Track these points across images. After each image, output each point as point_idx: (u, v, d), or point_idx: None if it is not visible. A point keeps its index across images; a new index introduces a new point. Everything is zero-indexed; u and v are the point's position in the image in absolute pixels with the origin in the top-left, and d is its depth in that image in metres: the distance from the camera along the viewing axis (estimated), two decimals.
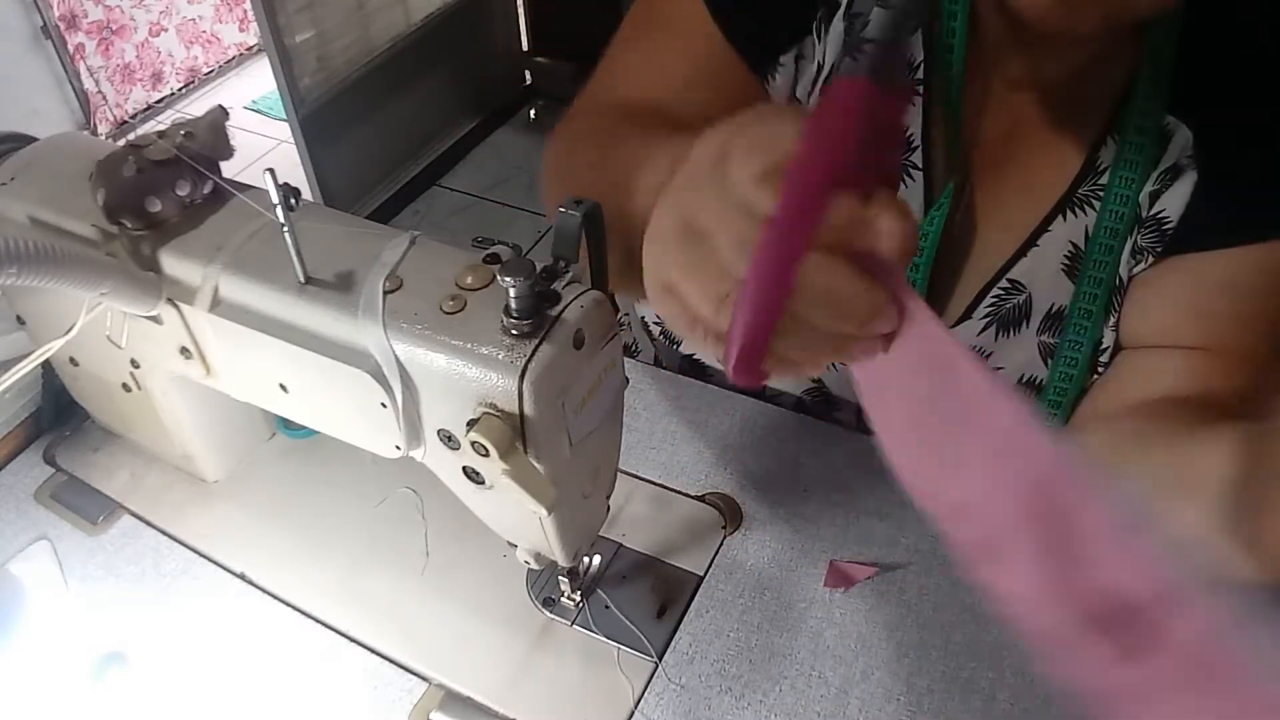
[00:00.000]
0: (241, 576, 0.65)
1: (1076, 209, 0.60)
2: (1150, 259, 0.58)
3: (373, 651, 0.60)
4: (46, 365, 0.70)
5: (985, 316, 0.64)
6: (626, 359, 0.78)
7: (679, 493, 0.69)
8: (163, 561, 0.66)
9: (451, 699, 0.58)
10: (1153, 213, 0.57)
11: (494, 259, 0.48)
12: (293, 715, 0.58)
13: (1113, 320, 0.61)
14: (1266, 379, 0.53)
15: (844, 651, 0.59)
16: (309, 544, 0.67)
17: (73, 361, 0.67)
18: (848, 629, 0.60)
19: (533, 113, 2.82)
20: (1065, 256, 0.61)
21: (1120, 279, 0.60)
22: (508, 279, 0.43)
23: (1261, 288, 0.54)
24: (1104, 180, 0.59)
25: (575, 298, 0.46)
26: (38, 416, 0.74)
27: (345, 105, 2.24)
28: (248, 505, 0.70)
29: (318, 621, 0.62)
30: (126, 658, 0.60)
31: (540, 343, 0.44)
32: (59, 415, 0.75)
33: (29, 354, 0.51)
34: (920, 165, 0.61)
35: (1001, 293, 0.63)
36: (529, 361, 0.44)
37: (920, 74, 0.60)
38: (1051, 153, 0.60)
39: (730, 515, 0.67)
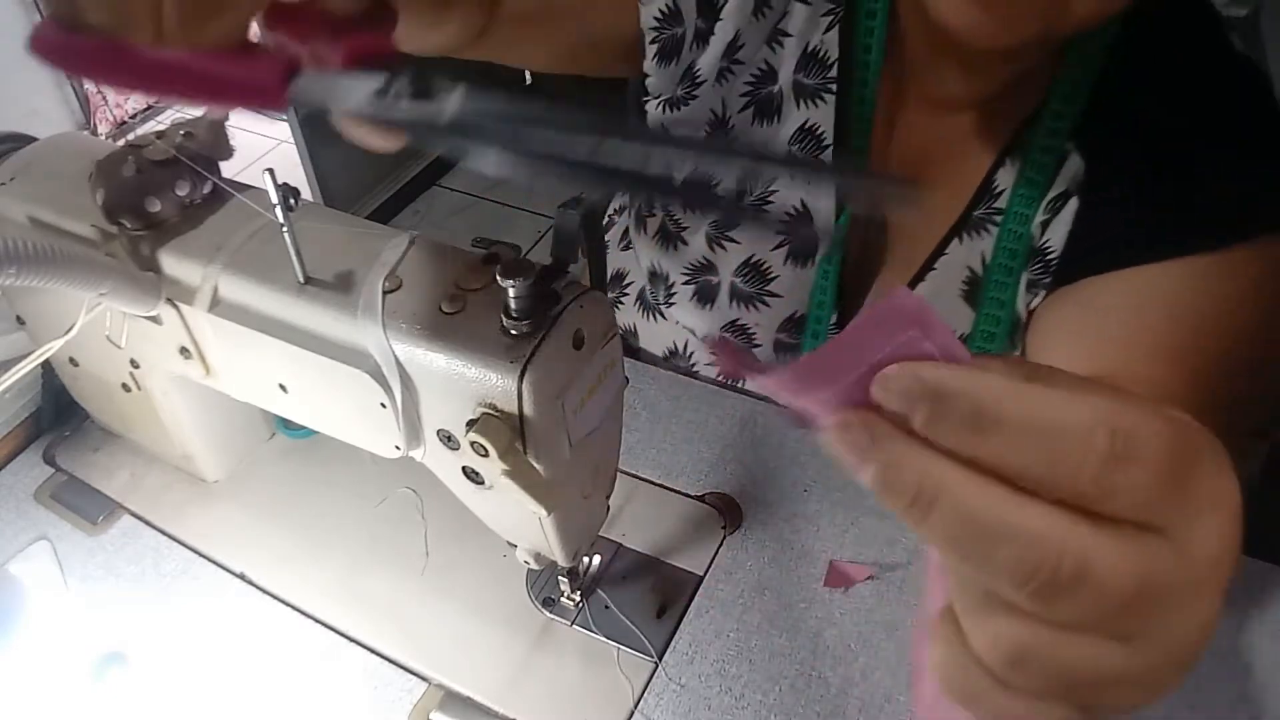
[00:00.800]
0: (241, 576, 0.65)
1: (972, 232, 0.59)
2: (1041, 293, 0.56)
3: (373, 651, 0.60)
4: (46, 365, 0.70)
5: None
6: (626, 359, 0.78)
7: (679, 493, 0.69)
8: (163, 561, 0.66)
9: (451, 699, 0.58)
10: (1040, 244, 0.56)
11: (493, 259, 0.48)
12: (293, 715, 0.58)
13: (1016, 354, 0.59)
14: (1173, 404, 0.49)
15: (844, 651, 0.59)
16: (309, 544, 0.67)
17: (73, 361, 0.67)
18: (848, 629, 0.60)
19: None
20: (964, 282, 0.61)
21: (1018, 314, 0.58)
22: (507, 279, 0.43)
23: (1154, 311, 0.50)
24: (1000, 204, 0.58)
25: (575, 298, 0.46)
26: (38, 416, 0.74)
27: None
28: (248, 505, 0.70)
29: (318, 621, 0.62)
30: (126, 658, 0.60)
31: (539, 343, 0.44)
32: (59, 415, 0.75)
33: (29, 354, 0.51)
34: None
35: None
36: (528, 362, 0.44)
37: (833, 72, 0.59)
38: (953, 174, 0.59)
39: (730, 515, 0.67)
